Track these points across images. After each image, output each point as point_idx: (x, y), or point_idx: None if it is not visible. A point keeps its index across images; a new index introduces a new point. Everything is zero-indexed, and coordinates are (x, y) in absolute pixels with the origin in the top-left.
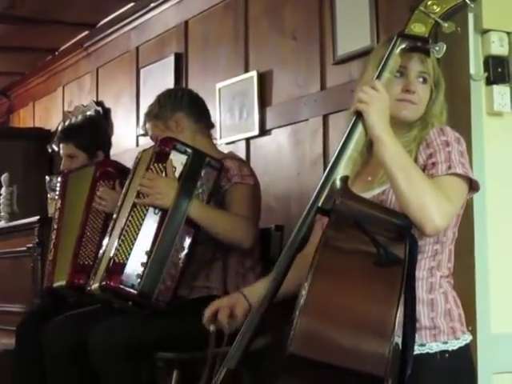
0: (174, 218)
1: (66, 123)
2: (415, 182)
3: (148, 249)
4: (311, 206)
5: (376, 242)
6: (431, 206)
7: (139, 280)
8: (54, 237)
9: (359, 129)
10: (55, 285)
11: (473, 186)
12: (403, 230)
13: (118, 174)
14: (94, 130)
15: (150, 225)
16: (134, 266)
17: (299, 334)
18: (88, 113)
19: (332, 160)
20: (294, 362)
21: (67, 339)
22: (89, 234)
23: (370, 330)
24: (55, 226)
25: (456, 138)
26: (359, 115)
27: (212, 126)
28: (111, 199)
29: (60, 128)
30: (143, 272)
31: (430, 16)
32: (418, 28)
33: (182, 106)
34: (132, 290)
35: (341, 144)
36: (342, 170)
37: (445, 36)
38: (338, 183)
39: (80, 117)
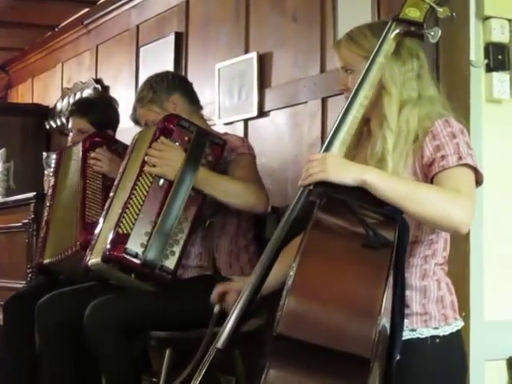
0: (180, 188)
1: (77, 97)
2: (425, 200)
3: (153, 219)
4: (303, 189)
5: (365, 223)
6: (454, 210)
7: (143, 249)
8: (46, 214)
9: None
10: (45, 261)
11: (477, 179)
12: (395, 214)
13: (105, 140)
14: (108, 108)
15: (154, 196)
16: (138, 236)
17: (286, 314)
18: (88, 91)
19: (325, 143)
20: (281, 343)
21: (58, 315)
22: (90, 195)
23: (357, 311)
24: (48, 204)
25: (460, 130)
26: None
27: (202, 107)
28: (107, 159)
29: (72, 101)
30: (147, 242)
31: (425, 1)
32: (413, 13)
33: (176, 87)
34: (136, 260)
35: (334, 127)
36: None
37: (446, 22)
38: None
39: (91, 92)
